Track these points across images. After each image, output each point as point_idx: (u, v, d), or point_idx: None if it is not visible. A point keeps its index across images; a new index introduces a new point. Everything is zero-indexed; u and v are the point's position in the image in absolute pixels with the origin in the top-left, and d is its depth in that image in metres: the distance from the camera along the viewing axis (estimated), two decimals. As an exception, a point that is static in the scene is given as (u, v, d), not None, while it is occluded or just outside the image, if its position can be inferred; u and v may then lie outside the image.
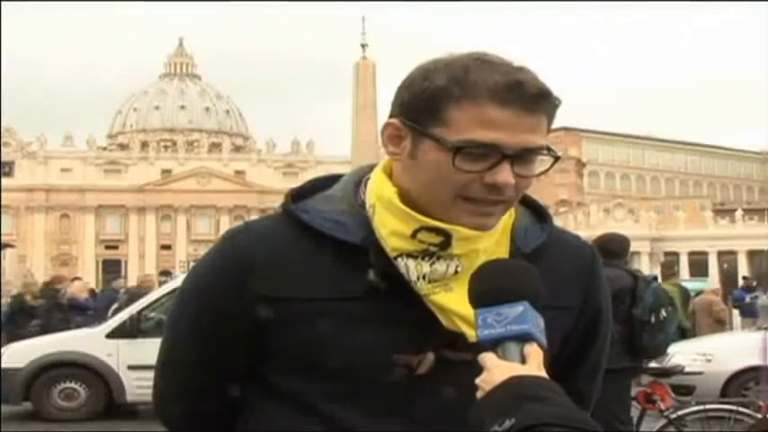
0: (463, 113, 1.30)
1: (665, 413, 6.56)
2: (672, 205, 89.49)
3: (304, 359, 1.37)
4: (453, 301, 1.34)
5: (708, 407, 6.65)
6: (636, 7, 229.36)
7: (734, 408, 6.58)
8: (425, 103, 1.33)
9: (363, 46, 43.68)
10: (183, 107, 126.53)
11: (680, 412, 6.54)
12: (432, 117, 1.32)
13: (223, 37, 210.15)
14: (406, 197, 1.37)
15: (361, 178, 1.45)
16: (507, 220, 1.42)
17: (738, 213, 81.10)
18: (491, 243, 1.38)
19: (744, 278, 22.71)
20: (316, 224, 1.39)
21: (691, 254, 75.54)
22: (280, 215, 1.44)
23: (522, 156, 1.32)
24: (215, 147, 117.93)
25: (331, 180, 1.48)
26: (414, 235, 1.34)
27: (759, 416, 6.41)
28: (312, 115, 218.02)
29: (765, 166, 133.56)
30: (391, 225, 1.35)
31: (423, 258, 1.35)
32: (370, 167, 1.47)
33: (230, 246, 1.43)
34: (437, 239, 1.34)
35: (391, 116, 1.38)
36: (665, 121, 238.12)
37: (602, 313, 1.53)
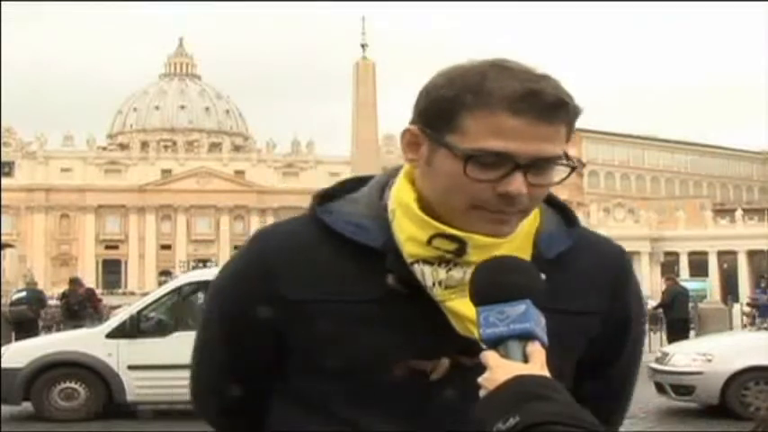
0: (477, 122, 1.29)
1: None
2: (672, 205, 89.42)
3: (320, 360, 1.39)
4: (469, 308, 1.31)
5: None
6: (636, 7, 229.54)
7: None
8: (441, 110, 1.32)
9: (363, 46, 43.62)
10: (182, 107, 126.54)
11: None
12: (447, 125, 1.31)
13: (223, 37, 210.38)
14: (424, 203, 1.37)
15: (387, 181, 1.46)
16: (531, 224, 1.40)
17: (738, 213, 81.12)
18: (512, 249, 1.35)
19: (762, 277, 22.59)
20: (337, 227, 1.40)
21: (691, 254, 75.58)
22: (306, 217, 1.46)
23: (535, 165, 1.30)
24: (215, 147, 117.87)
25: (360, 182, 1.49)
26: (429, 241, 1.34)
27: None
28: (312, 115, 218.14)
29: (765, 166, 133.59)
30: (408, 231, 1.36)
31: (439, 265, 1.34)
32: (398, 171, 1.46)
33: (256, 247, 1.46)
34: (452, 246, 1.34)
35: (411, 122, 1.38)
36: (665, 121, 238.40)
37: (631, 317, 1.52)
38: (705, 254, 75.79)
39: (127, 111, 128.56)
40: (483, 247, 1.33)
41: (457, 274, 1.34)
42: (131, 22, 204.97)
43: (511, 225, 1.35)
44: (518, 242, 1.37)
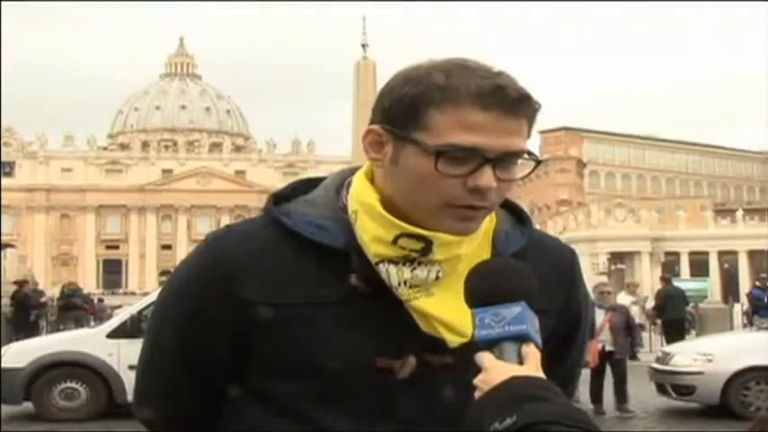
0: (444, 117, 1.30)
1: None
2: (672, 205, 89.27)
3: (286, 362, 1.37)
4: (434, 307, 1.34)
5: None
6: (636, 8, 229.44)
7: None
8: (406, 108, 1.32)
9: (364, 46, 43.44)
10: (183, 107, 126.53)
11: None
12: (413, 122, 1.31)
13: (224, 37, 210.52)
14: (388, 203, 1.36)
15: (342, 182, 1.45)
16: (489, 223, 1.41)
17: (739, 213, 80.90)
18: (473, 247, 1.37)
19: (760, 278, 22.46)
20: (298, 228, 1.38)
21: (691, 254, 75.35)
22: (262, 218, 1.44)
23: (503, 159, 1.31)
24: (215, 147, 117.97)
25: (312, 183, 1.48)
26: (395, 241, 1.34)
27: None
28: (312, 115, 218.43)
29: (766, 165, 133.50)
30: (373, 231, 1.35)
31: (404, 264, 1.35)
32: (352, 171, 1.46)
33: (212, 249, 1.42)
34: (418, 246, 1.34)
35: (372, 122, 1.37)
36: (666, 121, 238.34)
37: (581, 314, 1.55)
38: (706, 254, 75.54)
39: (128, 111, 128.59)
40: (448, 245, 1.34)
41: (421, 273, 1.35)
42: (132, 22, 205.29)
43: (477, 222, 1.36)
44: (479, 240, 1.39)
